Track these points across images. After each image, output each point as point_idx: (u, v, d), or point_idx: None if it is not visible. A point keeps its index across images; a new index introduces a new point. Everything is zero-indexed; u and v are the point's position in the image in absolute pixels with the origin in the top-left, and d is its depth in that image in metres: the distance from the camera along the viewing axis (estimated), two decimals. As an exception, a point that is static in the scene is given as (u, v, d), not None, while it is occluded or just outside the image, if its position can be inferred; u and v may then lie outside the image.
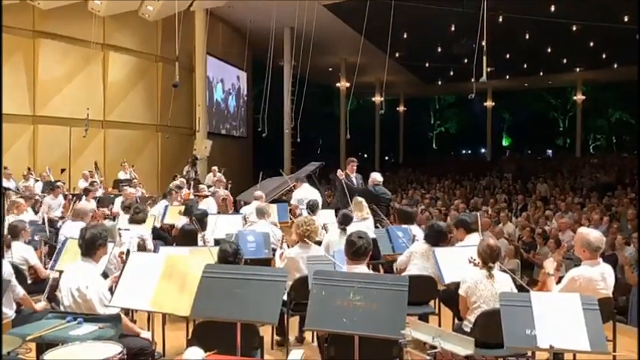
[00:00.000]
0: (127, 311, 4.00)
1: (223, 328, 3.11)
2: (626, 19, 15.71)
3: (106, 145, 14.92)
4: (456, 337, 2.37)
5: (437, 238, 4.98)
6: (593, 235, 3.95)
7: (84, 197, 8.74)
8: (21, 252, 5.14)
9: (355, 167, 8.56)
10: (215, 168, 11.58)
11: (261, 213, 6.64)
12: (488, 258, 3.80)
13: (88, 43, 13.53)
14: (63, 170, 11.54)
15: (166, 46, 15.41)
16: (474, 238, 4.85)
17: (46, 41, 13.42)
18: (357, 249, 3.53)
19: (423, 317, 4.68)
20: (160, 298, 3.22)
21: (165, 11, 14.09)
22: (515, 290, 3.83)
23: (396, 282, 2.99)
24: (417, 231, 6.01)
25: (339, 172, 8.19)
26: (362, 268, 3.55)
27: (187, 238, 5.62)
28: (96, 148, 14.25)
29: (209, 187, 10.32)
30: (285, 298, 4.06)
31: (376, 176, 8.14)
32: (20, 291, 4.11)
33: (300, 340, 4.90)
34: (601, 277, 3.93)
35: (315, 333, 4.63)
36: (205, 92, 17.17)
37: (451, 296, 4.42)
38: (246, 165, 21.52)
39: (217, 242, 5.44)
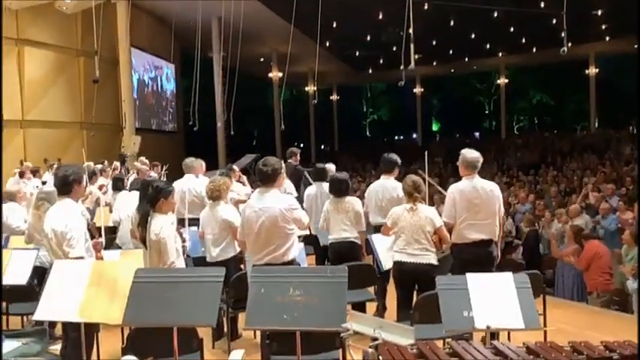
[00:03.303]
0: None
1: (159, 332, 2.98)
2: (542, 4, 16.44)
3: (27, 145, 14.09)
4: (396, 327, 2.38)
5: (341, 188, 5.26)
6: (470, 154, 4.58)
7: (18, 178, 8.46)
8: None
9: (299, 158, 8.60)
10: (142, 158, 11.15)
11: (187, 167, 6.56)
12: (412, 190, 4.36)
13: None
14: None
15: (87, 39, 14.66)
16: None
17: (-48, 37, 12.47)
18: (262, 175, 3.88)
19: (360, 306, 4.73)
20: (89, 307, 3.04)
21: (84, 3, 13.39)
22: (438, 220, 4.37)
23: (335, 273, 2.96)
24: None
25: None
26: (273, 192, 3.90)
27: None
28: (15, 150, 13.42)
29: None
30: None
31: (331, 167, 8.08)
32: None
33: (238, 336, 4.81)
34: (474, 189, 4.49)
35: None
36: (131, 87, 16.54)
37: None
38: (178, 161, 20.94)
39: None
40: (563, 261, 7.51)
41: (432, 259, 4.28)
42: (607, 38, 22.97)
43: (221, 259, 4.76)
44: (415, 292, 4.37)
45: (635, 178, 12.72)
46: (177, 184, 6.46)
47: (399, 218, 4.36)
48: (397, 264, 4.36)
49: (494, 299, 2.94)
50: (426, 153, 5.80)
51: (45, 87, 14.82)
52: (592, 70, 26.18)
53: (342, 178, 5.36)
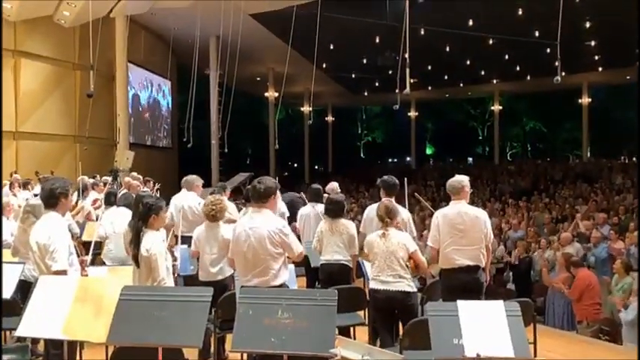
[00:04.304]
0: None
1: (144, 351, 2.92)
2: (537, 34, 16.70)
3: (19, 157, 14.01)
4: (385, 353, 2.34)
5: (336, 210, 5.27)
6: (453, 178, 4.67)
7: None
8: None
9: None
10: (134, 174, 11.09)
11: (189, 184, 6.48)
12: (384, 215, 4.31)
13: (-4, 49, 12.66)
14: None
15: (84, 53, 14.68)
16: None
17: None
18: (255, 192, 3.85)
19: (345, 330, 4.67)
20: (74, 324, 2.98)
21: (83, 17, 13.44)
22: (411, 245, 4.28)
23: (325, 297, 2.93)
24: (322, 207, 6.32)
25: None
26: (266, 213, 3.80)
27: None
28: (7, 161, 13.30)
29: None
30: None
31: (334, 185, 8.05)
32: None
33: (224, 358, 4.73)
34: (458, 214, 4.52)
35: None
36: (126, 102, 16.54)
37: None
38: (171, 176, 20.91)
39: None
40: (554, 289, 7.49)
41: (405, 286, 4.17)
42: (600, 69, 23.32)
43: (220, 277, 4.70)
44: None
45: (628, 207, 12.80)
46: (177, 200, 6.44)
47: (373, 245, 4.30)
48: (372, 291, 4.30)
49: (484, 327, 2.91)
50: (405, 180, 5.75)
51: (40, 99, 14.80)
52: (585, 100, 26.51)
53: (338, 200, 5.34)
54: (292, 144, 31.85)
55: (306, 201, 6.90)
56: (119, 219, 5.76)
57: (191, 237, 5.12)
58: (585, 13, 15.63)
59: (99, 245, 6.28)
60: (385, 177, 5.46)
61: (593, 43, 18.68)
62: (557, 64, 10.67)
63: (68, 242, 3.78)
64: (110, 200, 6.85)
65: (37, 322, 3.05)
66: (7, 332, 4.73)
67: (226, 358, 4.72)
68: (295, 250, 3.86)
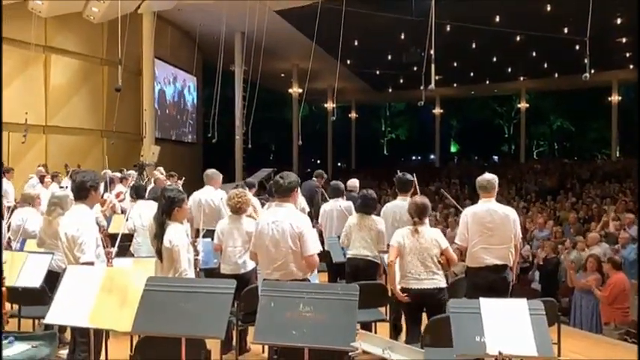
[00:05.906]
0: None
1: (167, 342, 2.97)
2: (565, 30, 16.39)
3: (48, 151, 14.32)
4: (406, 348, 2.34)
5: (367, 204, 5.28)
6: (481, 176, 4.69)
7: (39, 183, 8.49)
8: None
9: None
10: (160, 168, 11.26)
11: (208, 178, 6.57)
12: (414, 213, 4.26)
13: (28, 45, 12.93)
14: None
15: (112, 49, 14.89)
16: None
17: (-18, 42, 12.75)
18: (278, 187, 3.88)
19: (367, 326, 4.67)
20: (100, 313, 3.04)
21: (111, 13, 13.64)
22: (443, 241, 4.24)
23: (346, 291, 2.94)
24: (345, 203, 6.44)
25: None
26: (288, 207, 3.84)
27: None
28: (37, 154, 13.63)
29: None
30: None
31: (354, 182, 8.13)
32: None
33: (246, 350, 4.78)
34: (487, 212, 4.49)
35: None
36: (153, 97, 16.76)
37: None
38: (196, 171, 21.13)
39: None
40: (582, 289, 7.33)
41: (438, 282, 4.15)
42: (630, 66, 22.77)
43: (243, 271, 4.75)
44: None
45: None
46: (196, 194, 6.51)
47: (404, 241, 4.22)
48: (404, 289, 4.19)
49: (507, 325, 2.88)
50: (414, 175, 5.65)
51: (69, 94, 15.09)
52: (615, 98, 25.92)
53: (373, 196, 5.36)
54: (315, 140, 31.86)
55: (327, 196, 6.92)
56: (147, 212, 5.84)
57: (211, 230, 5.18)
58: (616, 8, 15.27)
59: (127, 237, 6.40)
60: (399, 174, 5.46)
61: (624, 39, 18.24)
62: (586, 61, 10.48)
63: (96, 235, 3.86)
64: (139, 193, 6.94)
65: (64, 311, 3.12)
66: (36, 320, 4.87)
67: (248, 350, 4.76)
68: (311, 250, 3.75)
